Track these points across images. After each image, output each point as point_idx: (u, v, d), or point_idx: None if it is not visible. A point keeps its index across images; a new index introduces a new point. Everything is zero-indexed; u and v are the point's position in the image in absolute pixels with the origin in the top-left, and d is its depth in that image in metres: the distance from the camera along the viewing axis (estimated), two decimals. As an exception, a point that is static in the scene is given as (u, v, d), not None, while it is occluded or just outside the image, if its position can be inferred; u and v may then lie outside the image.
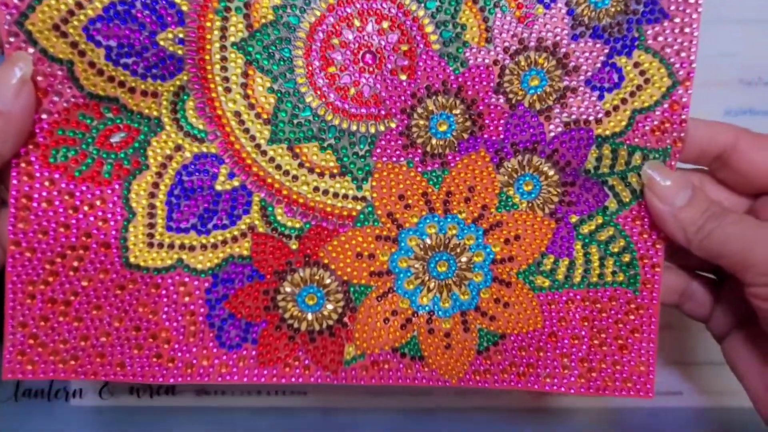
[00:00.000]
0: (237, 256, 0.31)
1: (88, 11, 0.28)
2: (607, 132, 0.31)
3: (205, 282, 0.31)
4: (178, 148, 0.30)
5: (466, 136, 0.31)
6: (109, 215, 0.30)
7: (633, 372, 0.32)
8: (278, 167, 0.31)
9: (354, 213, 0.31)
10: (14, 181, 0.29)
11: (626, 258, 0.32)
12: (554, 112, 0.30)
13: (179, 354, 0.31)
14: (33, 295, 0.30)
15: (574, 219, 0.32)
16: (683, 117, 0.30)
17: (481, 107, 0.30)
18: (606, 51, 0.30)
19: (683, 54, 0.30)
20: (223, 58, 0.29)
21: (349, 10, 0.29)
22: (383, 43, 0.30)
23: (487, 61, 0.30)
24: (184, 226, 0.31)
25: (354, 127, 0.31)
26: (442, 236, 0.31)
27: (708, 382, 0.45)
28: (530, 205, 0.31)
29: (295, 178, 0.31)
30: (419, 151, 0.31)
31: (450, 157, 0.31)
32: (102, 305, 0.30)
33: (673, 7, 0.29)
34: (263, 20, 0.29)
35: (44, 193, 0.29)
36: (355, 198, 0.31)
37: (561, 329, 0.32)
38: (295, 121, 0.30)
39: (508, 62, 0.30)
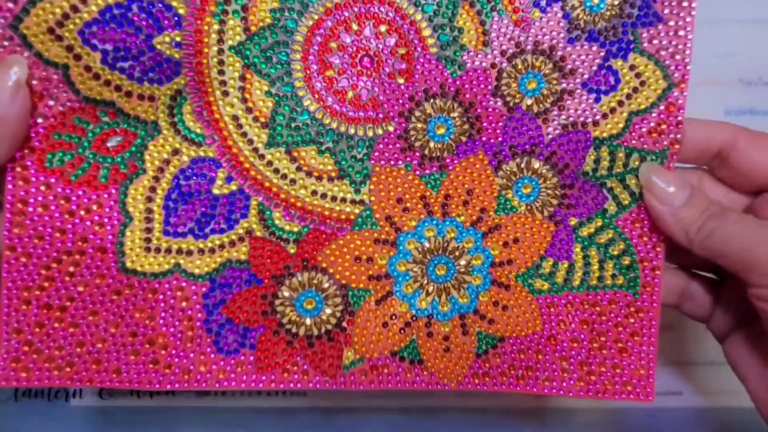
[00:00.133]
0: (235, 261, 0.31)
1: (83, 15, 0.27)
2: (605, 134, 0.31)
3: (202, 287, 0.31)
4: (176, 152, 0.30)
5: (464, 139, 0.31)
6: (106, 220, 0.30)
7: (633, 375, 0.32)
8: (276, 171, 0.31)
9: (352, 216, 0.31)
10: (10, 186, 0.29)
11: (626, 261, 0.32)
12: (552, 114, 0.31)
13: (176, 360, 0.31)
14: (28, 300, 0.29)
15: (573, 222, 0.32)
16: (679, 119, 0.30)
17: (478, 110, 0.30)
18: (602, 54, 0.30)
19: (678, 56, 0.30)
20: (221, 62, 0.29)
21: (346, 14, 0.29)
22: (381, 46, 0.30)
23: (484, 64, 0.30)
24: (182, 231, 0.30)
25: (352, 131, 0.30)
26: (441, 239, 0.31)
27: (708, 382, 0.45)
28: (529, 207, 0.31)
29: (293, 181, 0.31)
30: (417, 154, 0.31)
31: (448, 161, 0.31)
32: (98, 311, 0.30)
33: (667, 11, 0.29)
34: (261, 24, 0.29)
35: (40, 198, 0.29)
36: (353, 201, 0.31)
37: (560, 332, 0.32)
38: (293, 125, 0.30)
39: (506, 65, 0.30)
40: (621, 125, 0.31)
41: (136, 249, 0.30)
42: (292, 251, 0.31)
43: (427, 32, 0.30)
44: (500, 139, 0.31)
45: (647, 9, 0.29)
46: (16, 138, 0.28)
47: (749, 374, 0.33)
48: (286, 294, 0.31)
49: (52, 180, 0.29)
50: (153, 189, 0.30)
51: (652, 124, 0.30)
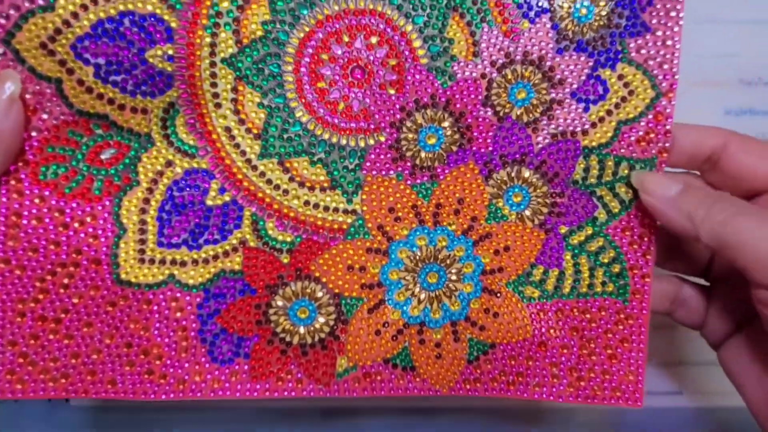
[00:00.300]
0: (228, 271, 0.31)
1: (75, 29, 0.28)
2: (594, 143, 0.31)
3: (196, 297, 0.31)
4: (169, 163, 0.30)
5: (454, 148, 0.31)
6: (100, 232, 0.30)
7: (622, 381, 0.32)
8: (269, 182, 0.31)
9: (344, 226, 0.31)
10: (4, 199, 0.29)
11: (616, 268, 0.32)
12: (541, 124, 0.31)
13: (171, 370, 0.31)
14: (23, 313, 0.29)
15: (563, 230, 0.32)
16: (667, 127, 0.31)
17: (469, 120, 0.31)
18: (590, 64, 0.30)
19: (666, 66, 0.30)
20: (213, 74, 0.29)
21: (337, 26, 0.30)
22: (372, 57, 0.30)
23: (474, 74, 0.30)
24: (176, 242, 0.31)
25: (344, 141, 0.31)
26: (432, 248, 0.32)
27: (708, 382, 0.44)
28: (519, 216, 0.32)
29: (286, 192, 0.31)
30: (408, 164, 0.31)
31: (439, 170, 0.31)
32: (93, 322, 0.30)
33: (654, 21, 0.30)
34: (252, 36, 0.29)
35: (34, 210, 0.29)
36: (345, 211, 0.31)
37: (550, 339, 0.32)
38: (285, 136, 0.30)
39: (496, 75, 0.30)
40: (610, 134, 0.31)
41: (130, 260, 0.30)
42: (285, 261, 0.31)
43: (417, 43, 0.30)
44: (491, 148, 0.31)
45: (635, 19, 0.30)
46: (11, 151, 0.28)
47: (746, 382, 0.32)
48: (280, 303, 0.31)
49: (47, 192, 0.29)
50: (147, 200, 0.30)
51: (640, 133, 0.31)
